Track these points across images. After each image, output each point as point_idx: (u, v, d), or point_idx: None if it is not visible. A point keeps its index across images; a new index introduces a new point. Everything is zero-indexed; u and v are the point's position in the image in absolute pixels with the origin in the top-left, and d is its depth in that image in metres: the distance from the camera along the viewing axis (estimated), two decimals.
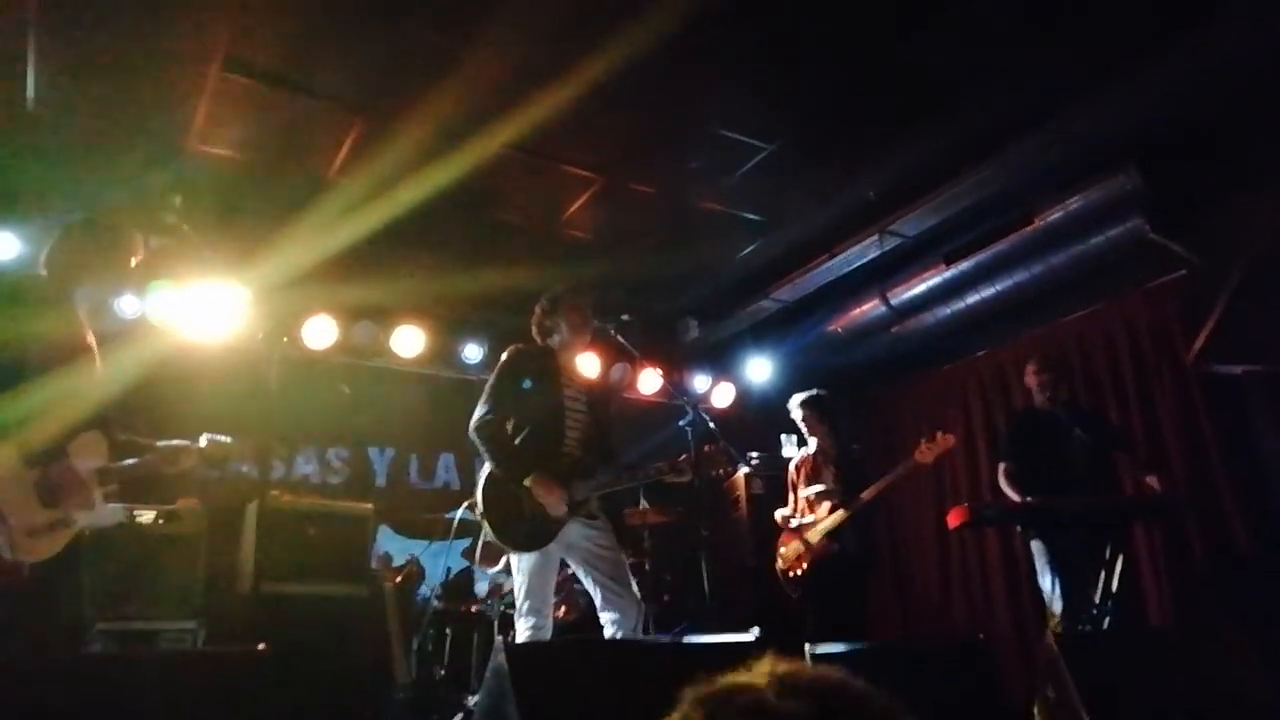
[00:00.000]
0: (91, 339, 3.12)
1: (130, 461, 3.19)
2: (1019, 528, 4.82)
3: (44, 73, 4.33)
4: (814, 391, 5.35)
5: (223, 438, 3.41)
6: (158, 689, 2.30)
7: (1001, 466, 4.86)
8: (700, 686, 0.78)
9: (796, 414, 5.34)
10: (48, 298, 3.03)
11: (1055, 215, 5.30)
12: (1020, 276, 5.79)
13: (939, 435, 4.90)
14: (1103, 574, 4.31)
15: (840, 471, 5.12)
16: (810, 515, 5.13)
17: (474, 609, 5.14)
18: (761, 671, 0.79)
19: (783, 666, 0.80)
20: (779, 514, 5.33)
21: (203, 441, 3.36)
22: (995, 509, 4.63)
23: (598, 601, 3.64)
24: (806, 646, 2.98)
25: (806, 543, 5.05)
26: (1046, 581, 4.55)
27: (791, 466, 5.44)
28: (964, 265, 5.90)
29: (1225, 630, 4.58)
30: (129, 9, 3.95)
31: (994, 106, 4.70)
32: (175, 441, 3.33)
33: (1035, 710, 3.43)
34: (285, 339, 3.83)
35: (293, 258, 5.50)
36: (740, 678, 0.78)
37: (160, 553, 4.30)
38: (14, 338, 2.84)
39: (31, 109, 4.55)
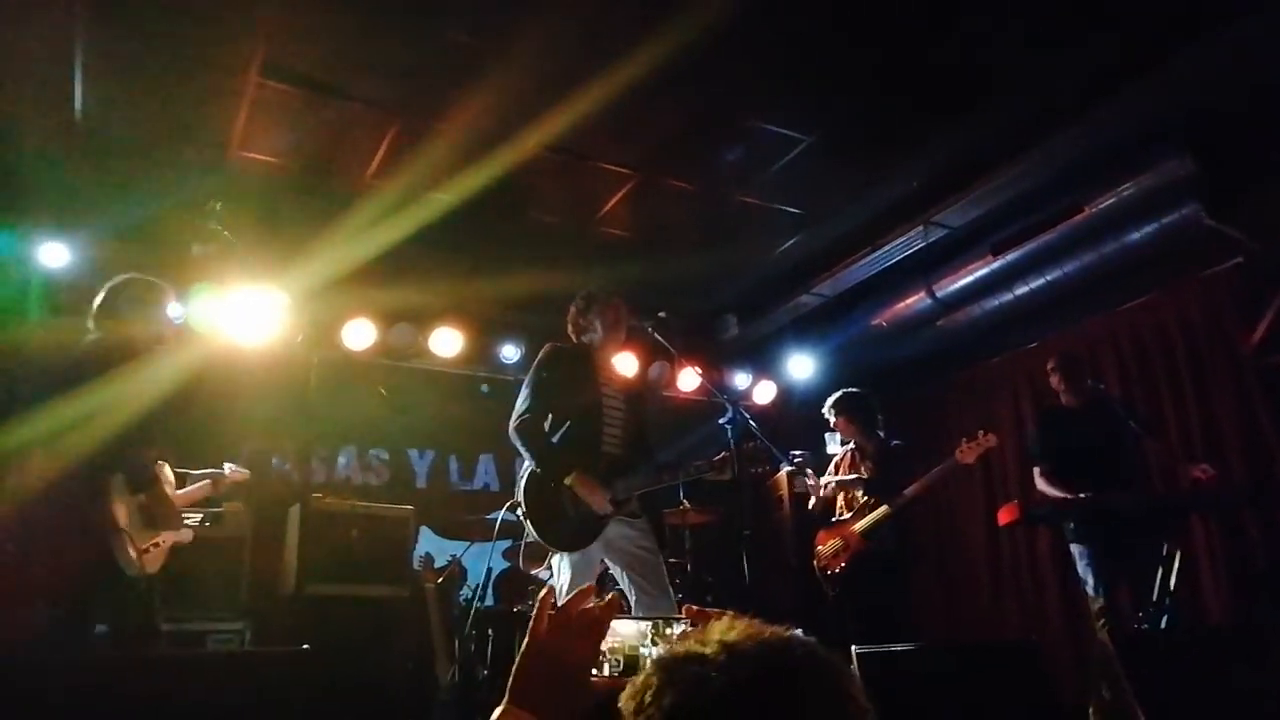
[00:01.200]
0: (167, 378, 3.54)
1: (192, 487, 3.71)
2: (1071, 525, 4.70)
3: (90, 85, 4.41)
4: (843, 391, 5.26)
5: (242, 471, 3.95)
6: (205, 689, 2.34)
7: (1036, 470, 4.76)
8: (665, 651, 0.80)
9: (829, 416, 5.25)
10: (115, 359, 3.44)
11: (1106, 203, 5.14)
12: (1070, 267, 5.63)
13: (980, 434, 4.79)
14: (1159, 571, 4.18)
15: (877, 467, 5.02)
16: (847, 513, 5.05)
17: (516, 609, 5.14)
18: (713, 639, 0.80)
19: (734, 632, 0.81)
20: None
21: (226, 469, 3.93)
22: (1047, 507, 4.53)
23: (632, 601, 3.61)
24: (854, 648, 2.92)
25: (844, 539, 4.98)
26: (1090, 581, 4.46)
27: (831, 466, 5.38)
28: (1012, 256, 5.75)
29: None
30: (170, 20, 4.01)
31: (1040, 92, 4.59)
32: (205, 471, 3.91)
33: (1090, 711, 3.34)
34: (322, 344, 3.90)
35: (331, 261, 5.55)
36: (694, 644, 0.80)
37: (207, 556, 4.37)
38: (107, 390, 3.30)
39: (79, 120, 4.64)
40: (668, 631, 1.18)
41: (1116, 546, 4.40)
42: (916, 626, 5.32)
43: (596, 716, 1.05)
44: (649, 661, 0.75)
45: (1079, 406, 4.76)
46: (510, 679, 1.03)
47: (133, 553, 3.27)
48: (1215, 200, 4.90)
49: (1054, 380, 4.87)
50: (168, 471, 3.63)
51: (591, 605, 1.09)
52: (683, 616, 1.13)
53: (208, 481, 3.94)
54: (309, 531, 3.57)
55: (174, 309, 5.36)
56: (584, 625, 1.06)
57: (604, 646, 1.11)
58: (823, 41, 4.26)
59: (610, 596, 1.12)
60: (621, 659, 1.15)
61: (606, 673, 1.13)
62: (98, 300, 3.63)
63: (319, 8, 3.96)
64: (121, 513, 3.32)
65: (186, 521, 3.62)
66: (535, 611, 1.11)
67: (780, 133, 4.96)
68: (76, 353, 3.50)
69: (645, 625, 1.18)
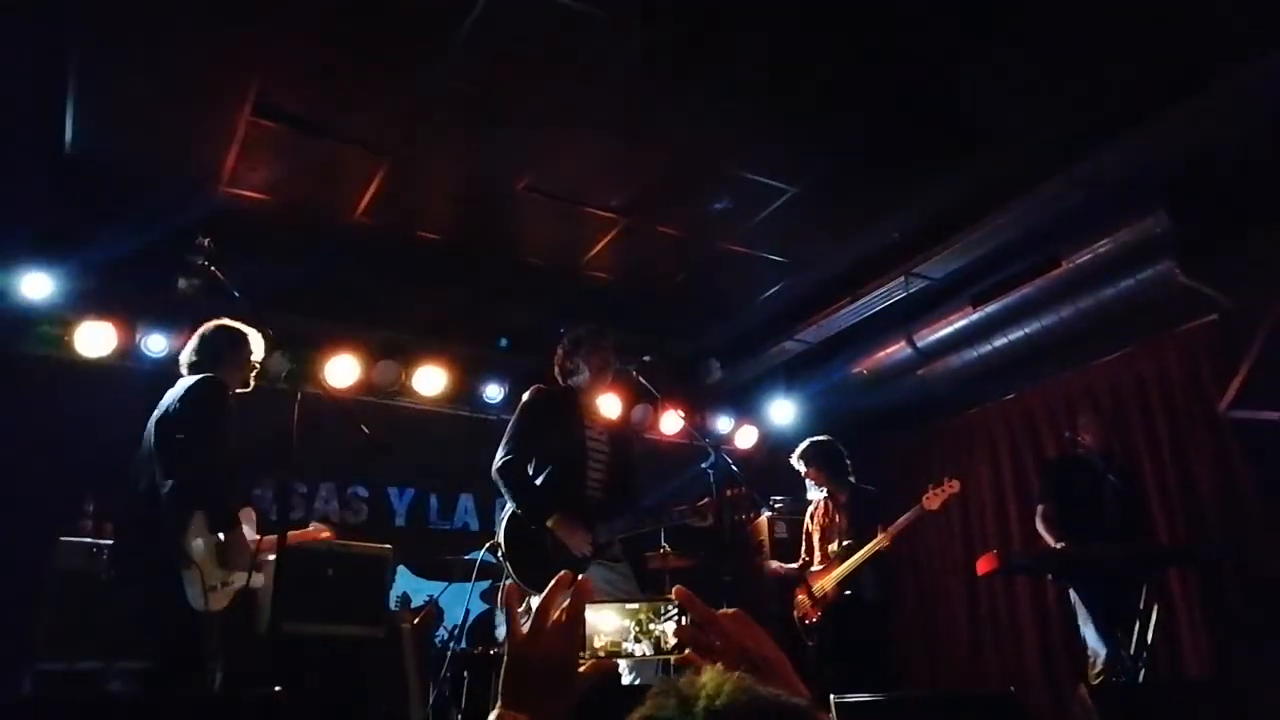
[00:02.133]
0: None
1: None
2: (1050, 576, 4.72)
3: (81, 117, 4.43)
4: (810, 441, 5.27)
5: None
6: None
7: (1040, 509, 4.83)
8: (647, 708, 0.76)
9: (799, 466, 5.26)
10: (226, 402, 3.63)
11: (1084, 258, 5.24)
12: (1049, 320, 5.71)
13: (946, 481, 4.83)
14: (1137, 624, 4.19)
15: (851, 515, 5.04)
16: (829, 561, 5.05)
17: (493, 652, 5.07)
18: (700, 695, 0.75)
19: (724, 690, 0.75)
20: (774, 565, 5.28)
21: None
22: (1025, 556, 4.56)
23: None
24: (832, 697, 2.90)
25: (819, 590, 4.97)
26: (1090, 631, 4.47)
27: (808, 514, 5.37)
28: (991, 308, 5.83)
29: (1262, 682, 4.45)
30: (165, 56, 4.05)
31: (1021, 147, 4.69)
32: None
33: None
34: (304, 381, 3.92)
35: (318, 298, 5.54)
36: (676, 704, 0.75)
37: None
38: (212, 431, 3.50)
39: (69, 153, 4.65)
40: (651, 627, 1.15)
41: (1105, 597, 4.42)
42: (898, 675, 5.29)
43: (586, 707, 1.06)
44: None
45: (1090, 457, 4.84)
46: (499, 684, 1.04)
47: (198, 588, 3.33)
48: (1190, 257, 5.00)
49: (1087, 428, 4.95)
50: (250, 513, 3.71)
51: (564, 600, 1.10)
52: (672, 598, 1.12)
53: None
54: (284, 569, 3.51)
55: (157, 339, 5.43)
56: (560, 621, 1.08)
57: (588, 643, 1.11)
58: (808, 95, 4.34)
59: (579, 581, 1.12)
60: (605, 654, 1.14)
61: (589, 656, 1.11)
62: (197, 349, 3.78)
63: (315, 48, 4.00)
64: (198, 549, 3.39)
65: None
66: (507, 616, 1.12)
67: (766, 183, 5.04)
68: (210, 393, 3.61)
69: (628, 621, 1.15)
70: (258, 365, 3.88)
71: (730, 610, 1.09)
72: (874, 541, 4.77)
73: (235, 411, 3.71)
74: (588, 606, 1.12)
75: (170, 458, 3.44)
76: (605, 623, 1.14)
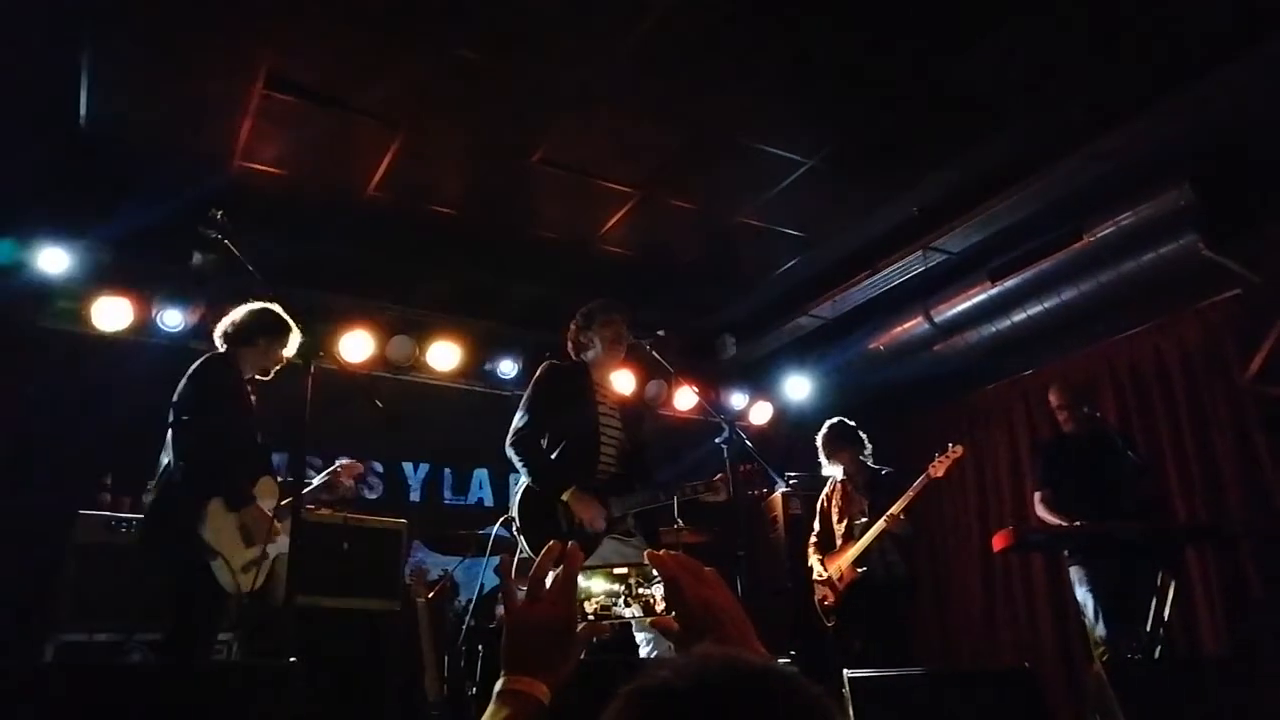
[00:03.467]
0: (253, 398, 3.76)
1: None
2: (1065, 552, 4.69)
3: (96, 93, 4.43)
4: (834, 421, 5.25)
5: (350, 461, 4.05)
6: (193, 700, 2.30)
7: (1038, 495, 4.80)
8: (634, 682, 0.76)
9: (821, 446, 5.24)
10: (231, 380, 3.67)
11: (1106, 231, 5.17)
12: (1069, 294, 5.64)
13: (950, 446, 4.82)
14: (1154, 601, 4.16)
15: (873, 499, 5.00)
16: (847, 542, 5.02)
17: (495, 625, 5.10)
18: (687, 668, 0.75)
19: (709, 661, 0.75)
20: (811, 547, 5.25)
21: (344, 461, 4.00)
22: (1042, 533, 4.53)
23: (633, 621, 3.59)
24: (845, 673, 2.90)
25: (836, 572, 4.95)
26: (1090, 609, 4.46)
27: (823, 494, 5.34)
28: (1010, 282, 5.77)
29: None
30: (178, 30, 4.03)
31: (1042, 120, 4.61)
32: (325, 474, 3.96)
33: None
34: (321, 353, 3.89)
35: (333, 272, 5.54)
36: (666, 673, 0.75)
37: None
38: (216, 411, 3.52)
39: (84, 128, 4.65)
40: (640, 591, 1.21)
41: (1113, 575, 4.40)
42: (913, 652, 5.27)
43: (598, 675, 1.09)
44: (620, 695, 0.72)
45: (1079, 434, 4.76)
46: (502, 652, 1.09)
47: (228, 574, 3.39)
48: (1214, 231, 4.92)
49: (1056, 407, 4.89)
50: (271, 484, 3.71)
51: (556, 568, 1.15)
52: (648, 563, 1.16)
53: (326, 481, 3.99)
54: (300, 542, 3.54)
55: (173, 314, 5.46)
56: (555, 588, 1.13)
57: (580, 605, 1.16)
58: (826, 66, 4.28)
59: (570, 548, 1.16)
60: (595, 616, 1.20)
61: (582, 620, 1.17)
62: (233, 322, 3.79)
63: (327, 20, 3.97)
64: (220, 535, 3.42)
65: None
66: (502, 585, 1.16)
67: (782, 155, 4.98)
68: (210, 374, 3.63)
69: (618, 585, 1.21)
70: (284, 360, 3.84)
71: (677, 555, 1.14)
72: (885, 515, 4.74)
73: (246, 390, 3.72)
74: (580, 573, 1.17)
75: (178, 439, 3.47)
76: (596, 587, 1.20)
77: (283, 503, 3.64)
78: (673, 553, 1.14)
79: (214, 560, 3.37)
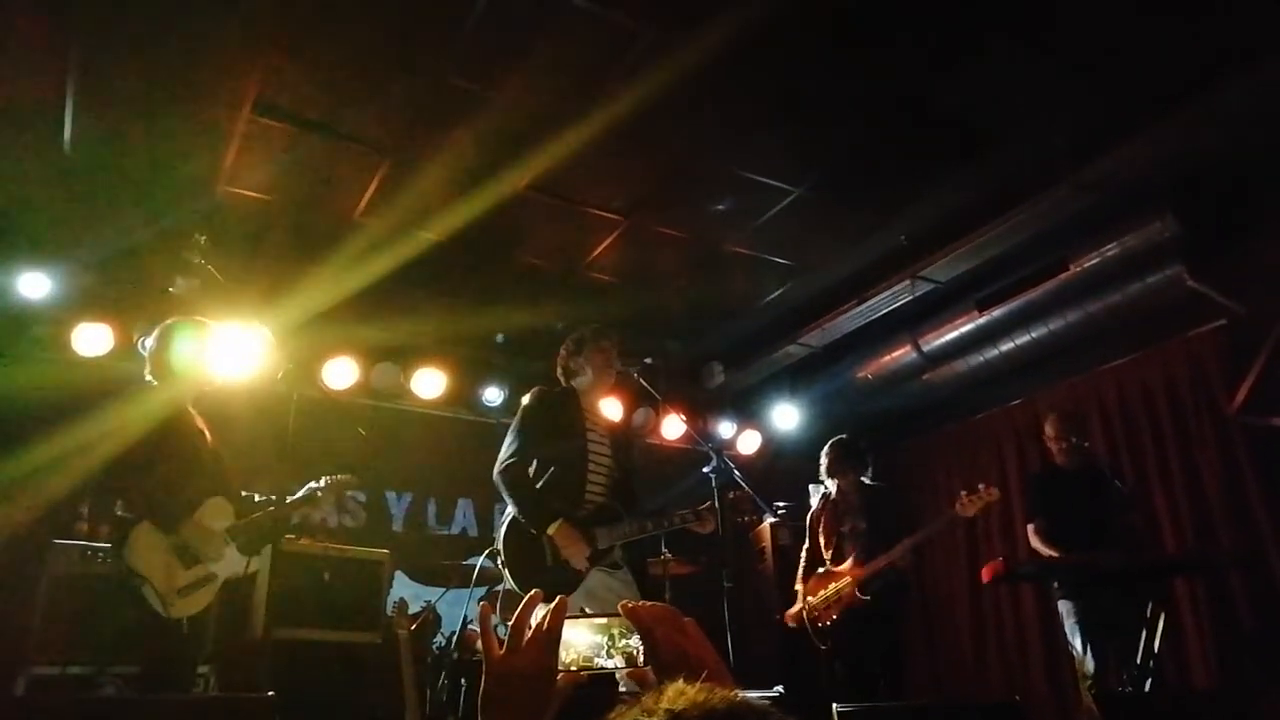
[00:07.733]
0: (200, 422, 3.68)
1: (256, 516, 3.62)
2: (1055, 585, 4.66)
3: (81, 116, 4.39)
4: (840, 438, 5.21)
5: (341, 475, 3.88)
6: None
7: (1031, 526, 4.75)
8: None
9: (822, 459, 5.19)
10: (159, 407, 3.56)
11: (1091, 261, 5.19)
12: (1055, 324, 5.66)
13: (982, 488, 4.64)
14: (1144, 633, 4.12)
15: (872, 517, 4.93)
16: (842, 562, 4.93)
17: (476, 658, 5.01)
18: (660, 707, 0.76)
19: (682, 699, 0.76)
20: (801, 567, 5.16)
21: (323, 482, 3.81)
22: (1031, 564, 4.50)
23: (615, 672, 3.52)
24: (835, 706, 2.85)
25: (837, 591, 4.84)
26: (1077, 642, 4.43)
27: (811, 513, 5.28)
28: (998, 312, 5.78)
29: (1271, 692, 4.38)
30: (164, 54, 4.00)
31: (1028, 150, 4.64)
32: (301, 493, 3.78)
33: None
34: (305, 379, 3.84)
35: (316, 298, 5.50)
36: (639, 714, 0.76)
37: None
38: (146, 439, 3.42)
39: (67, 151, 4.61)
40: (623, 643, 1.17)
41: (1102, 607, 4.36)
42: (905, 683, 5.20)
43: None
44: None
45: (1070, 466, 4.75)
46: (479, 702, 1.06)
47: (157, 599, 3.28)
48: (1198, 261, 4.95)
49: (1052, 440, 4.84)
50: (222, 502, 3.58)
51: (539, 617, 1.12)
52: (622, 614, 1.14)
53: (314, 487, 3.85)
54: (280, 573, 3.47)
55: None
56: (536, 639, 1.10)
57: (561, 657, 1.13)
58: (814, 95, 4.30)
59: (556, 602, 1.13)
60: (577, 669, 1.16)
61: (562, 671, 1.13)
62: (153, 344, 3.69)
63: (314, 46, 3.96)
64: (148, 561, 3.33)
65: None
66: (481, 635, 1.15)
67: (770, 184, 4.99)
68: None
69: (601, 637, 1.17)
70: (211, 368, 3.72)
71: (653, 606, 1.12)
72: (900, 547, 4.66)
73: (184, 413, 3.64)
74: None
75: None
76: (578, 638, 1.17)
77: (239, 522, 3.57)
78: (649, 604, 1.12)
79: (142, 586, 3.28)
